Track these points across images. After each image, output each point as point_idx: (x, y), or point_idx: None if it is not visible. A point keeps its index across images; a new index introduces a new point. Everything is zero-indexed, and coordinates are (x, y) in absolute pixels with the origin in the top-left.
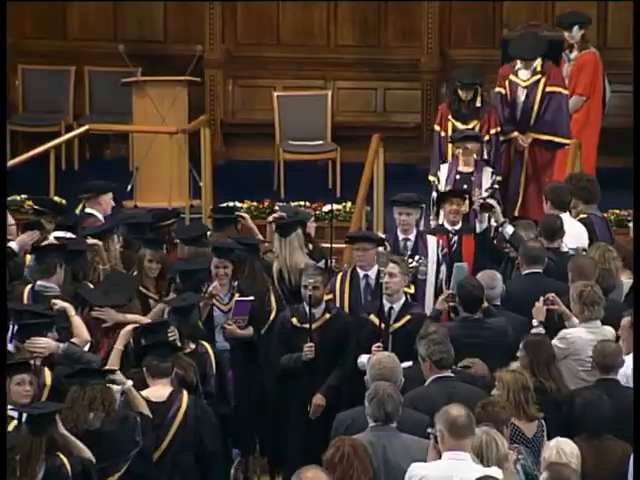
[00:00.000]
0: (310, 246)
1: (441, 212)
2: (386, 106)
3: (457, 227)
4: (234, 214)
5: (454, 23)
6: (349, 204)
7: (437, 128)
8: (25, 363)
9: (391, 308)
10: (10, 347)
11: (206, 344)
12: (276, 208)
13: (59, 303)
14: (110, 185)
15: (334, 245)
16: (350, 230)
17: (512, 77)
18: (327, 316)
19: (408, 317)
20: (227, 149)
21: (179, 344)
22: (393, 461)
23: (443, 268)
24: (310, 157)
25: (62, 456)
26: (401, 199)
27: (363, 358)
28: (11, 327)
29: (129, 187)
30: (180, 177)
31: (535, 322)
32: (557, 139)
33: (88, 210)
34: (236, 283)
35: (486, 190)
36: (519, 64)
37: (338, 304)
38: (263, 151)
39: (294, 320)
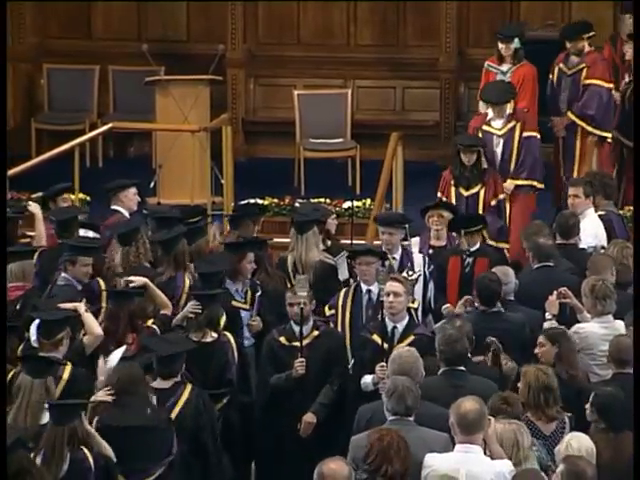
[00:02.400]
0: (328, 242)
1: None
2: (405, 104)
3: (473, 248)
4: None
5: (472, 22)
6: (368, 201)
7: (439, 195)
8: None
9: (395, 328)
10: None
11: (228, 334)
12: (297, 205)
13: (67, 305)
14: (127, 182)
15: (354, 242)
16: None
17: (485, 127)
18: (315, 333)
19: (412, 337)
20: (248, 147)
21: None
22: (412, 454)
23: (431, 286)
24: (330, 155)
25: (85, 450)
26: (383, 218)
27: (367, 379)
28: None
29: (152, 184)
30: (202, 174)
31: (548, 315)
32: (535, 183)
33: (113, 207)
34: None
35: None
36: (491, 113)
37: (339, 319)
38: (284, 149)
39: (282, 339)
